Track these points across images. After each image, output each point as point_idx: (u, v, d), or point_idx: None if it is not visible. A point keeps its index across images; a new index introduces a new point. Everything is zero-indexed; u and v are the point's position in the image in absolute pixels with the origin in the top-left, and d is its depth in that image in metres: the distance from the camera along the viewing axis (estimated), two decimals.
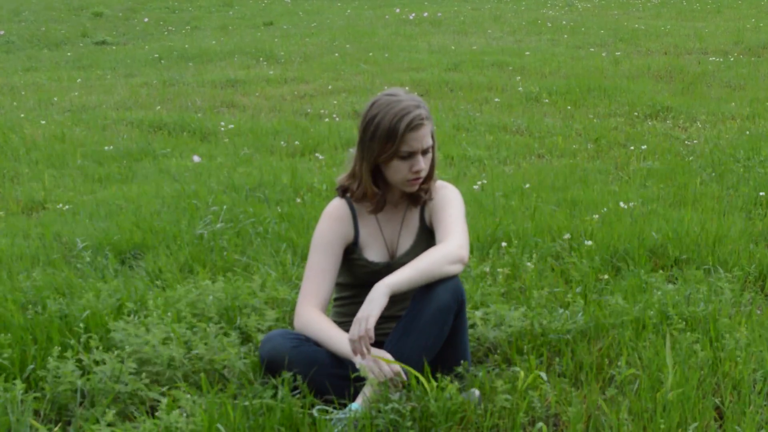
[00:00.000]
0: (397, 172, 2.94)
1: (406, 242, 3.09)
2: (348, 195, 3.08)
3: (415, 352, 2.79)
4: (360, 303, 3.07)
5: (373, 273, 3.03)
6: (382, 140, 2.88)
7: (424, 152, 2.94)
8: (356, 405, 2.71)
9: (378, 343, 2.89)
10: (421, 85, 9.95)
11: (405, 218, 3.10)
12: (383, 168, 2.97)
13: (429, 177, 3.04)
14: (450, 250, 2.85)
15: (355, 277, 3.08)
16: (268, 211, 5.03)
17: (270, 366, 2.92)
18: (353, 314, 3.06)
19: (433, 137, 2.98)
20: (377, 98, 2.96)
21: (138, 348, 3.05)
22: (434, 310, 2.81)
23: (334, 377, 2.85)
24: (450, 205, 3.03)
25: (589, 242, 4.29)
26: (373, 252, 3.06)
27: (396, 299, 3.05)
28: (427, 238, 3.09)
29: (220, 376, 3.06)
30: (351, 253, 3.06)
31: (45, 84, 11.08)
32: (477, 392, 2.85)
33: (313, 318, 2.93)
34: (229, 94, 9.94)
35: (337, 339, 2.86)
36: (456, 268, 2.85)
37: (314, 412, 2.72)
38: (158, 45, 14.40)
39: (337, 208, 3.08)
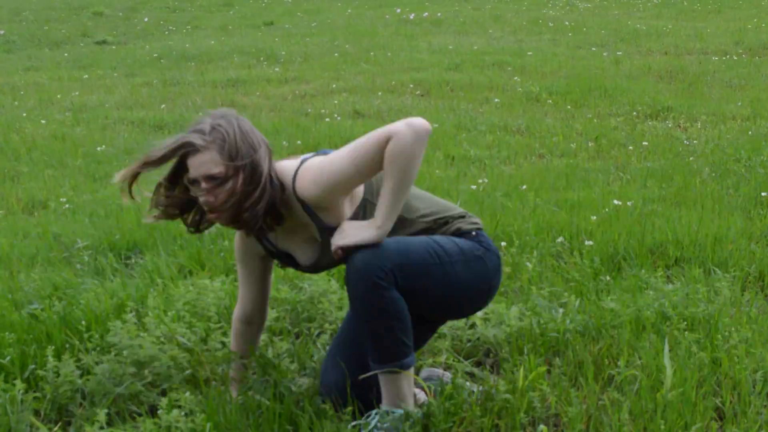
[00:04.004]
0: None
1: (307, 250, 2.82)
2: None
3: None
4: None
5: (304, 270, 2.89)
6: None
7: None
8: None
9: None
10: (422, 84, 9.94)
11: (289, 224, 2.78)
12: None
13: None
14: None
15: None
16: None
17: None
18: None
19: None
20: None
21: (136, 349, 3.04)
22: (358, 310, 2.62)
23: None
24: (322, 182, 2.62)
25: (590, 242, 4.29)
26: (299, 256, 2.85)
27: None
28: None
29: (221, 376, 3.06)
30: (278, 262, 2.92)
31: (45, 83, 11.09)
32: (441, 372, 2.93)
33: (232, 333, 3.05)
34: (230, 93, 9.94)
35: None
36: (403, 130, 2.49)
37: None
38: (159, 45, 14.40)
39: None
